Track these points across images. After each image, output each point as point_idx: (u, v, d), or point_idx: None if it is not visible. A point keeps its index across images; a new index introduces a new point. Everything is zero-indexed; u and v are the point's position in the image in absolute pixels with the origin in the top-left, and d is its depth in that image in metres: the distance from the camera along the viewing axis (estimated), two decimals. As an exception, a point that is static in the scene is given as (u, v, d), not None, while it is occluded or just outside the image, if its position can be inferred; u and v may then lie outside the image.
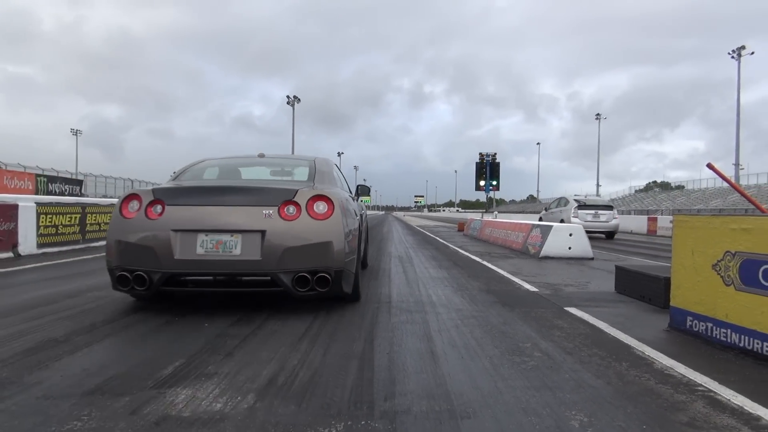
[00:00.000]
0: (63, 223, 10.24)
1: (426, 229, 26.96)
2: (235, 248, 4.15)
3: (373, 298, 5.43)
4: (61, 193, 33.67)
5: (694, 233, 4.05)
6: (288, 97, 47.52)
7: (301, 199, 4.34)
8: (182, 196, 4.41)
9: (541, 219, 21.48)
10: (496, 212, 32.94)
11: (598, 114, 61.28)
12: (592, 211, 19.17)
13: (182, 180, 5.15)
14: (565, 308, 5.09)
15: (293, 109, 47.45)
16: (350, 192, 6.78)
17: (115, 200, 11.41)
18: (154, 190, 4.42)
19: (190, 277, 4.22)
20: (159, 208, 4.28)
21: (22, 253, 9.03)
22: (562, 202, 21.71)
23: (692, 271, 4.02)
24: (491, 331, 4.08)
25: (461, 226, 23.55)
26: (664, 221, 26.04)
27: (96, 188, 45.20)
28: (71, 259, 8.71)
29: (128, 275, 4.21)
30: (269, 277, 4.19)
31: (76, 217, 10.66)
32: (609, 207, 20.14)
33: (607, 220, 19.27)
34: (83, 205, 11.15)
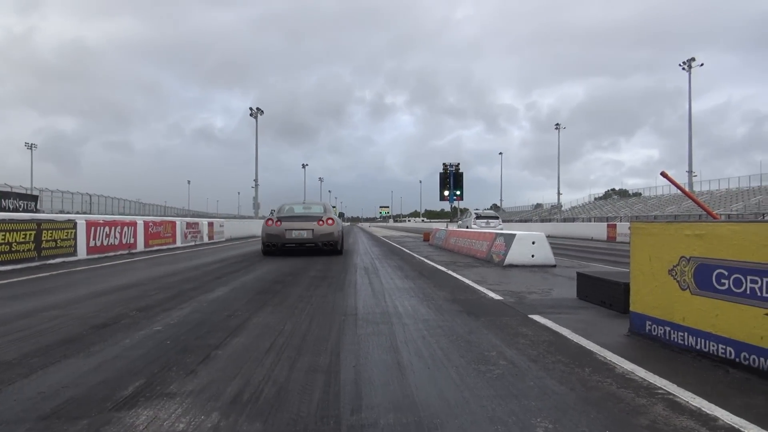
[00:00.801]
0: (17, 240, 9.88)
1: (392, 239, 27.00)
2: (305, 235, 12.51)
3: (339, 311, 5.41)
4: (15, 210, 32.49)
5: (650, 239, 4.17)
6: (251, 108, 46.58)
7: (324, 218, 12.76)
8: (287, 219, 12.85)
9: (458, 226, 29.05)
10: (460, 222, 33.61)
11: (557, 124, 62.51)
12: (485, 220, 28.09)
13: (281, 213, 13.42)
14: (529, 316, 5.16)
15: (257, 121, 46.69)
16: (335, 212, 14.99)
17: (72, 215, 15.18)
18: (278, 217, 12.89)
19: (289, 245, 12.57)
20: (279, 222, 12.65)
21: (-27, 273, 8.66)
22: (467, 213, 31.20)
23: (650, 277, 4.13)
24: (457, 341, 4.10)
25: (426, 236, 23.66)
26: (622, 228, 26.68)
27: (52, 204, 43.76)
28: (25, 278, 8.41)
29: (269, 244, 12.67)
30: (315, 244, 12.60)
31: (31, 234, 10.30)
32: (496, 217, 29.79)
33: (495, 226, 27.35)
34: (39, 222, 10.79)
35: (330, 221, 12.95)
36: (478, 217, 28.05)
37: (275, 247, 12.77)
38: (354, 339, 4.16)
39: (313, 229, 12.75)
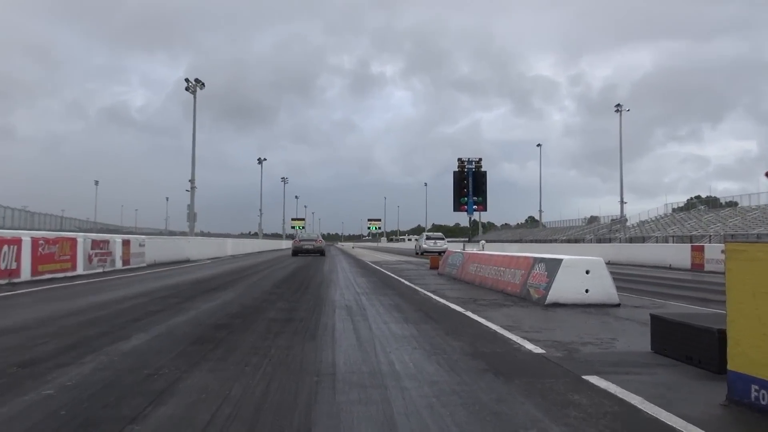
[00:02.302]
0: None
1: (384, 266, 27.06)
2: (310, 247, 46.02)
3: (309, 369, 5.37)
4: None
5: (755, 267, 4.14)
6: (187, 81, 46.04)
7: (318, 239, 50.38)
8: (302, 240, 49.76)
9: (415, 247, 47.15)
10: (483, 241, 34.07)
11: (618, 105, 62.57)
12: (433, 240, 44.57)
13: (299, 237, 54.39)
14: (584, 377, 5.14)
15: (195, 98, 46.24)
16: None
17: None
18: (299, 239, 50.16)
19: (303, 251, 45.53)
20: (300, 241, 48.90)
21: None
22: (423, 235, 51.55)
23: (756, 321, 4.10)
24: (480, 413, 4.07)
25: (435, 262, 23.70)
26: (713, 251, 26.81)
27: None
28: None
29: (296, 250, 46.15)
30: (314, 251, 45.82)
31: None
32: (442, 238, 46.04)
33: (441, 245, 43.60)
34: None
35: (320, 240, 45.57)
36: (428, 237, 45.91)
37: (299, 251, 41.57)
38: (331, 410, 4.13)
39: (313, 244, 43.10)
